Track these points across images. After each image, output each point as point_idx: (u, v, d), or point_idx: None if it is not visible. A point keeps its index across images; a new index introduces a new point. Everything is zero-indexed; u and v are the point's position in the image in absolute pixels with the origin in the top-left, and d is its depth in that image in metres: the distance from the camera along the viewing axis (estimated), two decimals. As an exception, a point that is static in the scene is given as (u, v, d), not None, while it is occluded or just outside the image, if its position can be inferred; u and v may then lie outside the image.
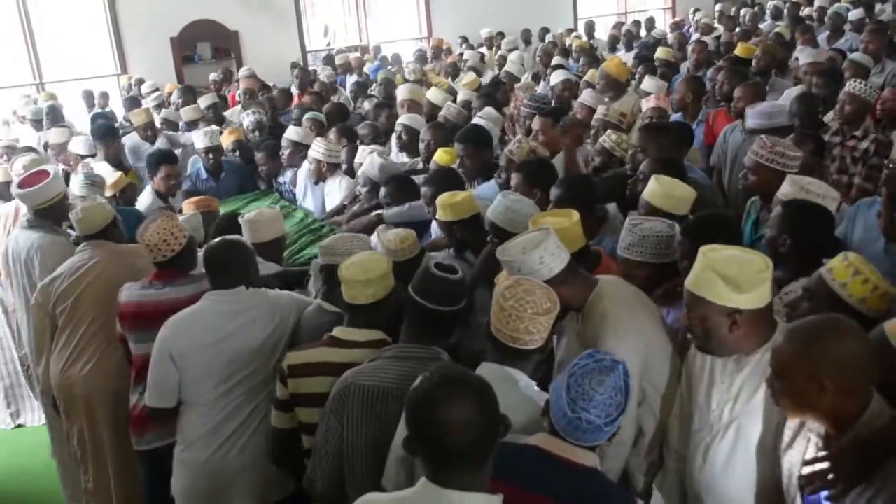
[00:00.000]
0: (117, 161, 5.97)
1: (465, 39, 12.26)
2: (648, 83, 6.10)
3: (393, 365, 2.41)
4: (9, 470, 4.83)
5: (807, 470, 1.88)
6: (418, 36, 13.61)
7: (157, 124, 7.14)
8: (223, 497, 3.01)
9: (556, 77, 6.77)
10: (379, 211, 4.35)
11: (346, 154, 5.37)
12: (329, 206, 5.08)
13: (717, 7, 13.07)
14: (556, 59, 8.57)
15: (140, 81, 9.90)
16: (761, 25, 10.41)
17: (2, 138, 7.46)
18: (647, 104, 5.36)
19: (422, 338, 2.45)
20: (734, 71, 5.72)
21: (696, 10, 12.88)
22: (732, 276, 2.07)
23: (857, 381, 1.84)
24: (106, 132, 6.19)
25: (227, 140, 5.97)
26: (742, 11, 11.85)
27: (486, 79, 8.40)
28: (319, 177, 5.18)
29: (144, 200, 5.11)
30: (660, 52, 7.78)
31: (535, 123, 4.93)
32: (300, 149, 5.49)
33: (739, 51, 7.17)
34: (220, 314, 2.96)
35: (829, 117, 4.86)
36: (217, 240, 3.16)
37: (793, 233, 2.81)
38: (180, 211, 4.51)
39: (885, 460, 1.75)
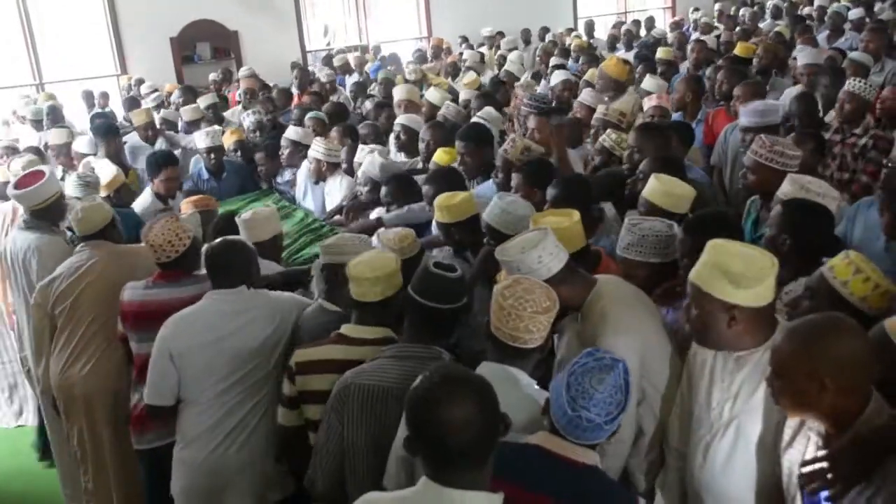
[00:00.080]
0: (118, 159, 5.97)
1: (464, 39, 12.26)
2: (649, 82, 6.10)
3: (393, 364, 2.41)
4: (9, 470, 4.83)
5: (806, 469, 1.88)
6: (418, 36, 13.62)
7: (157, 124, 7.13)
8: (222, 497, 3.01)
9: (556, 77, 6.78)
10: (379, 215, 4.34)
11: (346, 153, 5.37)
12: (329, 206, 5.08)
13: (717, 6, 13.07)
14: (555, 59, 8.57)
15: (140, 81, 9.89)
16: (761, 25, 10.42)
17: (2, 138, 7.46)
18: (648, 103, 5.37)
19: (422, 337, 2.45)
20: (733, 70, 5.73)
21: (696, 9, 12.88)
22: (734, 272, 2.08)
23: (857, 379, 1.83)
24: (107, 130, 6.19)
25: (228, 140, 5.96)
26: (742, 11, 11.86)
27: (486, 78, 8.40)
28: (320, 176, 5.18)
29: (143, 202, 5.09)
30: (660, 53, 7.79)
31: (531, 122, 4.93)
32: (299, 149, 5.48)
33: (739, 50, 7.18)
34: (221, 313, 2.97)
35: (830, 117, 4.87)
36: (218, 240, 3.16)
37: (793, 232, 2.81)
38: (179, 211, 4.51)
39: (885, 459, 1.75)
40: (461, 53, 10.49)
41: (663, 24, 13.64)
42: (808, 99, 4.82)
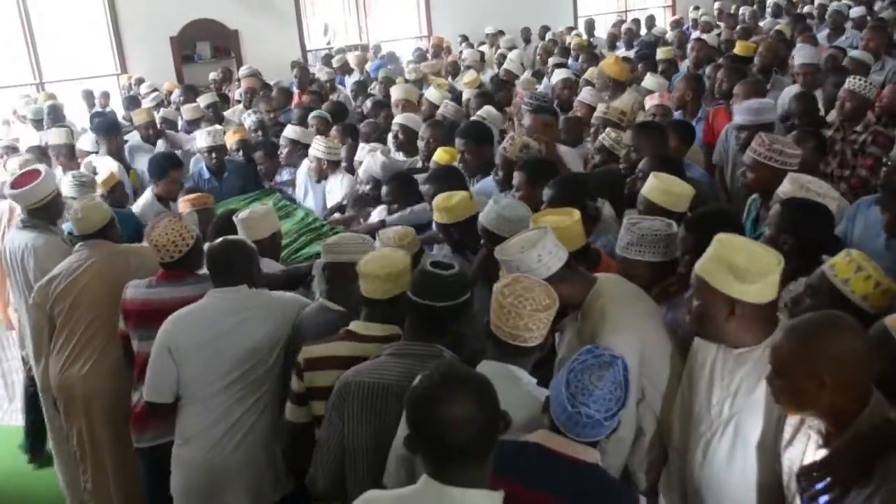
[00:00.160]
0: (120, 157, 5.96)
1: (465, 38, 12.25)
2: (649, 81, 6.11)
3: (393, 362, 2.41)
4: (9, 470, 4.82)
5: (804, 475, 1.88)
6: (418, 34, 13.61)
7: (157, 124, 7.13)
8: (222, 496, 3.01)
9: (557, 76, 6.78)
10: (382, 218, 4.34)
11: (347, 152, 5.37)
12: (331, 204, 5.07)
13: (717, 5, 13.06)
14: (555, 58, 8.57)
15: (140, 81, 9.89)
16: (761, 23, 10.41)
17: (2, 138, 7.46)
18: (650, 102, 5.37)
19: (422, 335, 2.45)
20: (733, 69, 5.73)
21: (696, 7, 12.87)
22: (738, 266, 2.08)
23: (857, 377, 1.83)
24: (108, 127, 6.18)
25: (231, 140, 5.95)
26: (742, 9, 11.85)
27: (486, 77, 8.40)
28: (321, 175, 5.18)
29: (143, 203, 5.06)
30: (660, 51, 7.78)
31: (526, 120, 4.94)
32: (299, 147, 5.48)
33: (738, 49, 7.18)
34: (222, 311, 2.97)
35: (832, 116, 4.87)
36: (220, 240, 3.16)
37: (793, 231, 2.80)
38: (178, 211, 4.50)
39: (885, 457, 1.75)
40: (461, 52, 10.48)
41: (664, 22, 13.63)
42: (807, 98, 4.83)
